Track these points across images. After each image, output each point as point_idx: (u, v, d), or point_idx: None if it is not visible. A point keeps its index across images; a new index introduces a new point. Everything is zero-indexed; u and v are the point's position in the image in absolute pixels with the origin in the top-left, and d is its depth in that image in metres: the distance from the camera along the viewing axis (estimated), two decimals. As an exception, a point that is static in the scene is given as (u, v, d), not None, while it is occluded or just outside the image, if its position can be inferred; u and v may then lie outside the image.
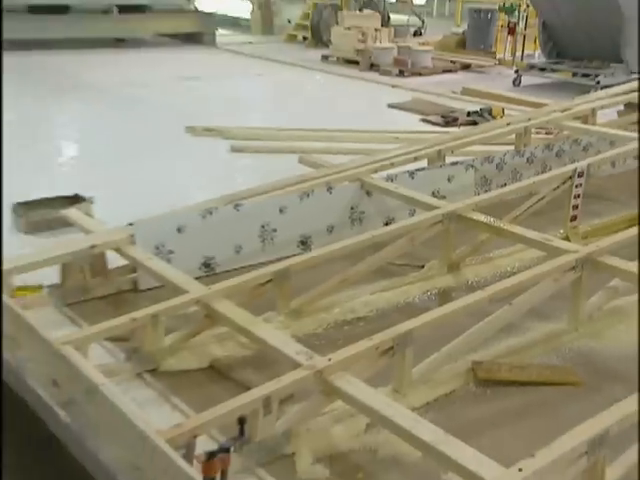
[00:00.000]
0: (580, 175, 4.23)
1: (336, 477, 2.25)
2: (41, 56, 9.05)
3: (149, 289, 3.46)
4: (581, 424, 2.04)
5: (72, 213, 3.86)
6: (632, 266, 3.20)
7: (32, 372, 2.69)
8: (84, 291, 3.43)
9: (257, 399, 2.22)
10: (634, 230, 3.51)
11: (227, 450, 1.81)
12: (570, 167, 4.37)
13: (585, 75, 7.55)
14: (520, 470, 1.82)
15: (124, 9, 9.72)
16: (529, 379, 2.86)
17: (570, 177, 4.26)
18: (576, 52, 7.90)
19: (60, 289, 3.41)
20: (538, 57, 8.50)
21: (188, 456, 2.01)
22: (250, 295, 3.15)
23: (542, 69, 8.13)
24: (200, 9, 11.32)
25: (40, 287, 3.37)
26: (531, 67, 8.33)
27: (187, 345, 2.97)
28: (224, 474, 1.80)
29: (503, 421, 2.63)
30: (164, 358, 2.88)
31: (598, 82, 7.38)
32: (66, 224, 3.89)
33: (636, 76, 6.96)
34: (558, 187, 4.25)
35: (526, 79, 8.22)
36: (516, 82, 8.25)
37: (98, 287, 3.47)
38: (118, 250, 3.43)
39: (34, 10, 9.03)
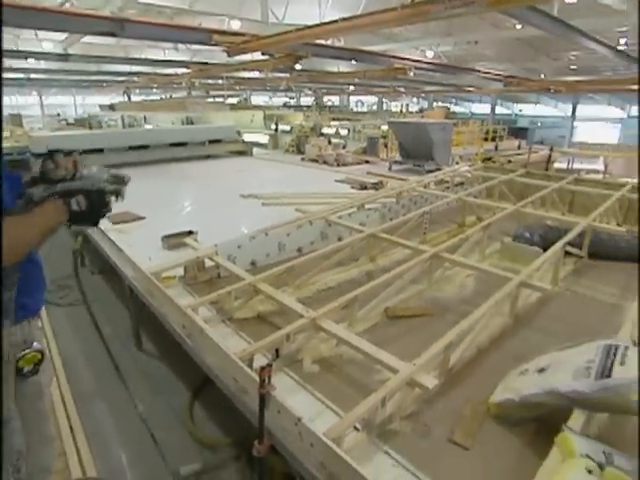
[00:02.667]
0: (427, 213, 4.79)
1: (323, 370, 2.51)
2: (172, 165, 9.88)
3: (225, 277, 3.63)
4: (439, 339, 2.34)
5: (188, 240, 4.19)
6: (453, 256, 3.58)
7: (172, 320, 2.98)
8: (194, 279, 3.63)
9: (283, 334, 2.51)
10: (453, 239, 3.90)
11: (270, 365, 1.95)
12: (422, 209, 4.85)
13: (418, 165, 8.93)
14: (414, 364, 2.15)
15: (211, 142, 10.89)
16: (411, 314, 3.13)
17: (423, 214, 4.76)
18: (414, 155, 9.27)
19: (183, 278, 3.63)
20: (397, 157, 9.77)
21: (250, 366, 2.31)
22: (275, 279, 3.32)
23: (400, 162, 9.41)
24: (245, 140, 12.73)
25: (174, 277, 3.59)
26: (395, 162, 9.54)
27: (245, 305, 3.17)
28: (269, 377, 1.94)
29: (401, 336, 2.86)
30: (234, 312, 3.11)
31: (424, 169, 8.69)
32: (185, 245, 4.23)
33: (440, 166, 8.47)
34: (418, 219, 4.71)
35: (394, 167, 9.38)
36: (390, 168, 9.39)
37: (201, 276, 3.67)
38: (210, 258, 3.67)
39: (171, 145, 10.33)
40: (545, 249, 3.92)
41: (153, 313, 3.34)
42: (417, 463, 1.90)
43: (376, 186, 7.31)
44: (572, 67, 20.48)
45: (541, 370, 2.21)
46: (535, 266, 3.25)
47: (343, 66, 20.82)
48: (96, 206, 1.57)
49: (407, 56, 15.93)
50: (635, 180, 5.82)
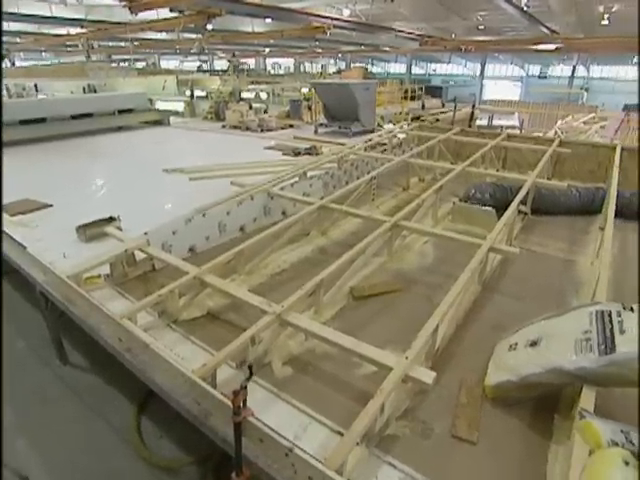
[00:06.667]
0: (374, 178, 4.54)
1: (297, 372, 2.21)
2: (78, 140, 8.58)
3: (161, 269, 3.18)
4: (425, 324, 2.10)
5: (109, 229, 3.55)
6: (414, 224, 3.36)
7: (103, 332, 2.43)
8: (124, 276, 3.08)
9: (247, 338, 2.14)
10: (407, 206, 3.59)
11: (245, 387, 1.63)
12: (371, 174, 4.57)
13: (344, 127, 8.56)
14: (407, 358, 1.88)
15: (121, 111, 9.66)
16: (378, 291, 2.90)
17: (371, 179, 4.51)
18: (339, 117, 8.89)
19: (110, 277, 3.04)
20: (323, 119, 9.32)
21: (213, 383, 1.93)
22: (222, 268, 2.95)
23: (326, 125, 9.00)
24: (160, 109, 11.63)
25: (99, 276, 3.01)
26: (321, 124, 9.14)
27: (192, 303, 2.73)
28: (245, 402, 1.66)
29: (372, 319, 2.64)
30: (180, 313, 2.68)
31: (351, 130, 8.40)
32: (107, 235, 3.58)
33: (366, 127, 8.43)
34: (366, 185, 4.46)
35: (320, 130, 8.96)
36: (316, 131, 8.96)
37: (132, 272, 3.12)
38: (141, 249, 3.11)
39: (74, 117, 8.92)
40: (495, 207, 3.86)
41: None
42: (425, 470, 1.67)
43: (309, 151, 6.86)
44: (480, 27, 21.12)
45: (533, 344, 2.06)
46: (498, 229, 3.12)
47: (257, 26, 19.58)
48: None
49: (325, 14, 15.31)
50: (564, 135, 6.04)
